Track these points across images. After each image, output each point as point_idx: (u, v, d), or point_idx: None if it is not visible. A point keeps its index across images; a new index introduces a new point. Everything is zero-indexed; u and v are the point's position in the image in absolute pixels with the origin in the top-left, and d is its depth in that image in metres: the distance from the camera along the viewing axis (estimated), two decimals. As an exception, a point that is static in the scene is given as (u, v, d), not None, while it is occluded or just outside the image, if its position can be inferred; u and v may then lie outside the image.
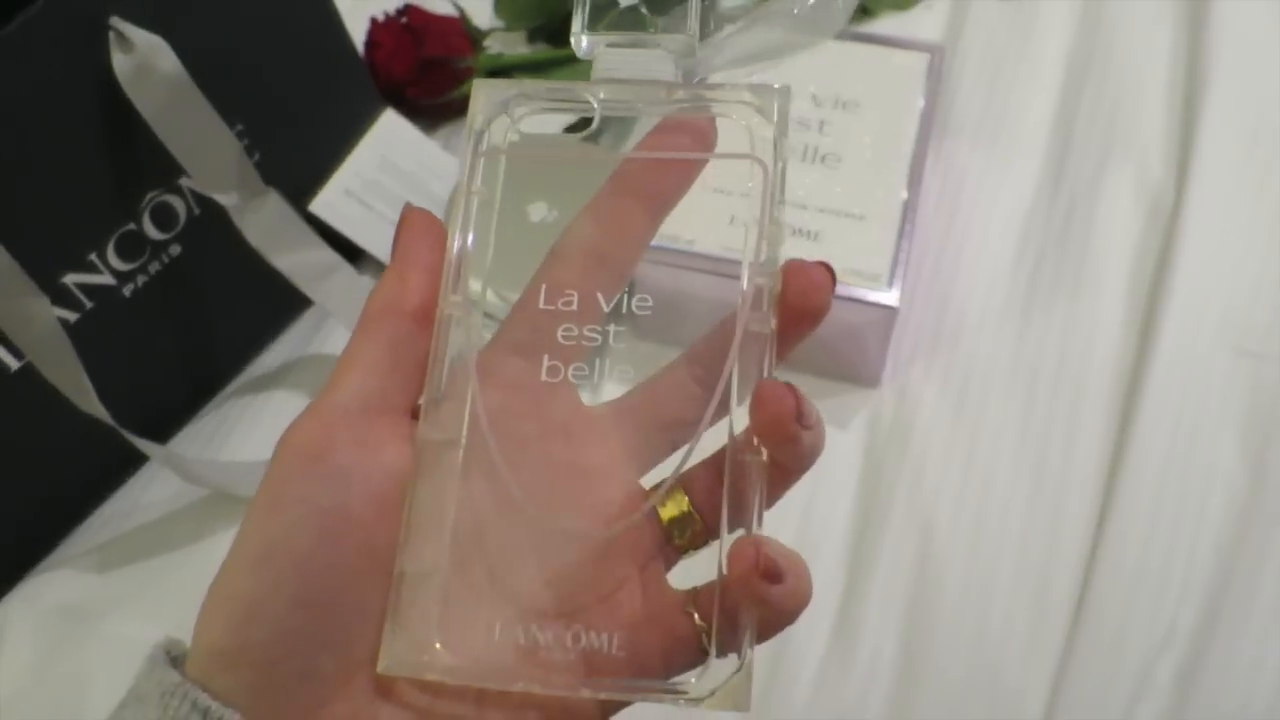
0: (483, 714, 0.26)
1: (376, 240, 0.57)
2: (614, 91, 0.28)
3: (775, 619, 0.25)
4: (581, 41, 0.28)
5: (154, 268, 0.49)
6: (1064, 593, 0.47)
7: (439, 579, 0.25)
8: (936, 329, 0.54)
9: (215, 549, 0.51)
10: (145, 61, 0.43)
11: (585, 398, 0.28)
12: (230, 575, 0.25)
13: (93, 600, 0.50)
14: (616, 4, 0.29)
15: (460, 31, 0.62)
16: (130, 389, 0.48)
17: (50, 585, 0.51)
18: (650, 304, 0.29)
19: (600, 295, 0.27)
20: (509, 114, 0.28)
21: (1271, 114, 0.59)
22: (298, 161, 0.54)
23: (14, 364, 0.45)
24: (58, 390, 0.45)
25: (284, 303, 0.55)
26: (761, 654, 0.46)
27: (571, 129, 0.36)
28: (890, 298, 0.49)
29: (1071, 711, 0.44)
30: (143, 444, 0.48)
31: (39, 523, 0.52)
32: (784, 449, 0.26)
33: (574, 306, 0.27)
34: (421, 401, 0.27)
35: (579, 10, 0.28)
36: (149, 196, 0.48)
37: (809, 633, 0.47)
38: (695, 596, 0.26)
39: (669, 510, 0.27)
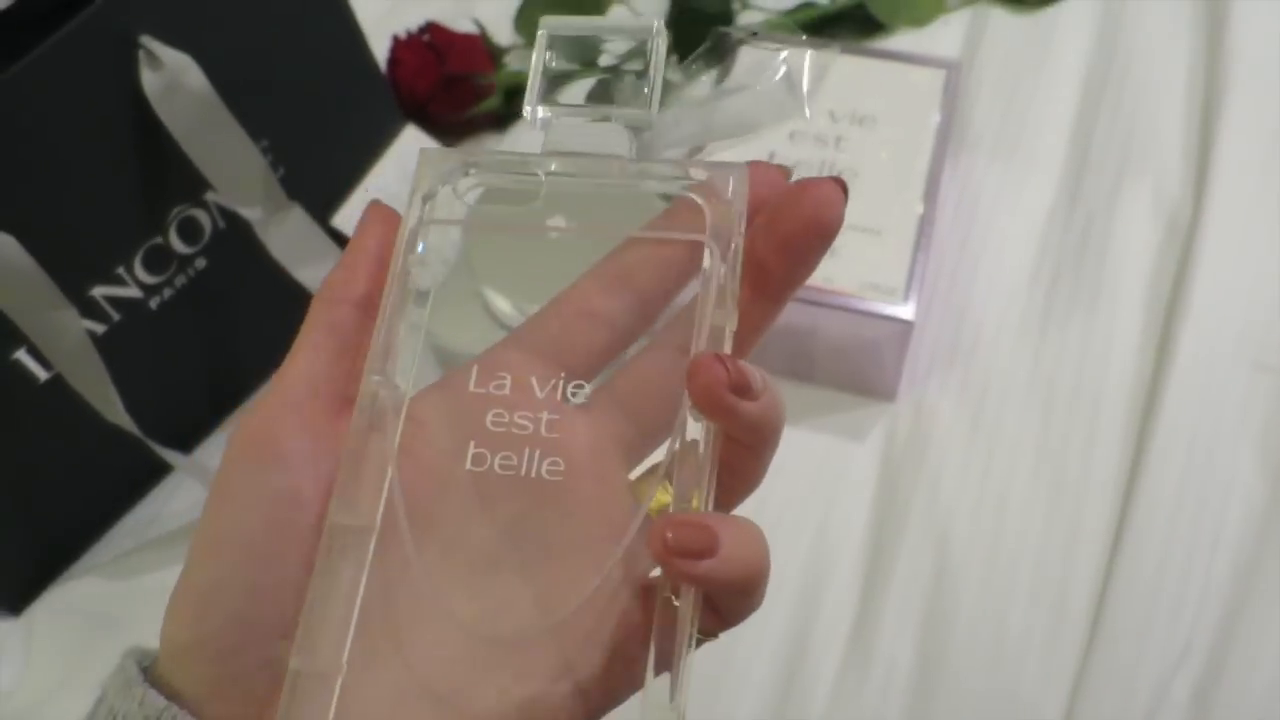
0: None
1: (398, 254, 0.58)
2: (565, 165, 0.27)
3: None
4: (537, 112, 0.27)
5: (180, 281, 0.50)
6: (1080, 607, 0.47)
7: (335, 680, 0.23)
8: (953, 343, 0.55)
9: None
10: (174, 79, 0.44)
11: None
12: (188, 570, 0.25)
13: (118, 608, 0.51)
14: (571, 76, 0.28)
15: (481, 49, 0.63)
16: (156, 400, 0.49)
17: (76, 593, 0.52)
18: (586, 390, 0.26)
19: (534, 380, 0.26)
20: (454, 185, 0.27)
21: (1289, 129, 0.59)
22: (321, 176, 0.55)
23: (43, 375, 0.46)
24: (85, 401, 0.45)
25: (306, 315, 0.56)
26: (777, 664, 0.47)
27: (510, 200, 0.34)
28: (906, 312, 0.49)
29: (1088, 726, 0.44)
30: (167, 454, 0.49)
31: (66, 531, 0.52)
32: (726, 421, 0.24)
33: (505, 390, 0.25)
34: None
35: (533, 81, 0.27)
36: (175, 211, 0.49)
37: (825, 643, 0.47)
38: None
39: (655, 502, 0.25)
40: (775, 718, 0.46)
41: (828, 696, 0.46)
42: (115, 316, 0.48)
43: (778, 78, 0.29)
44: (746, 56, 0.32)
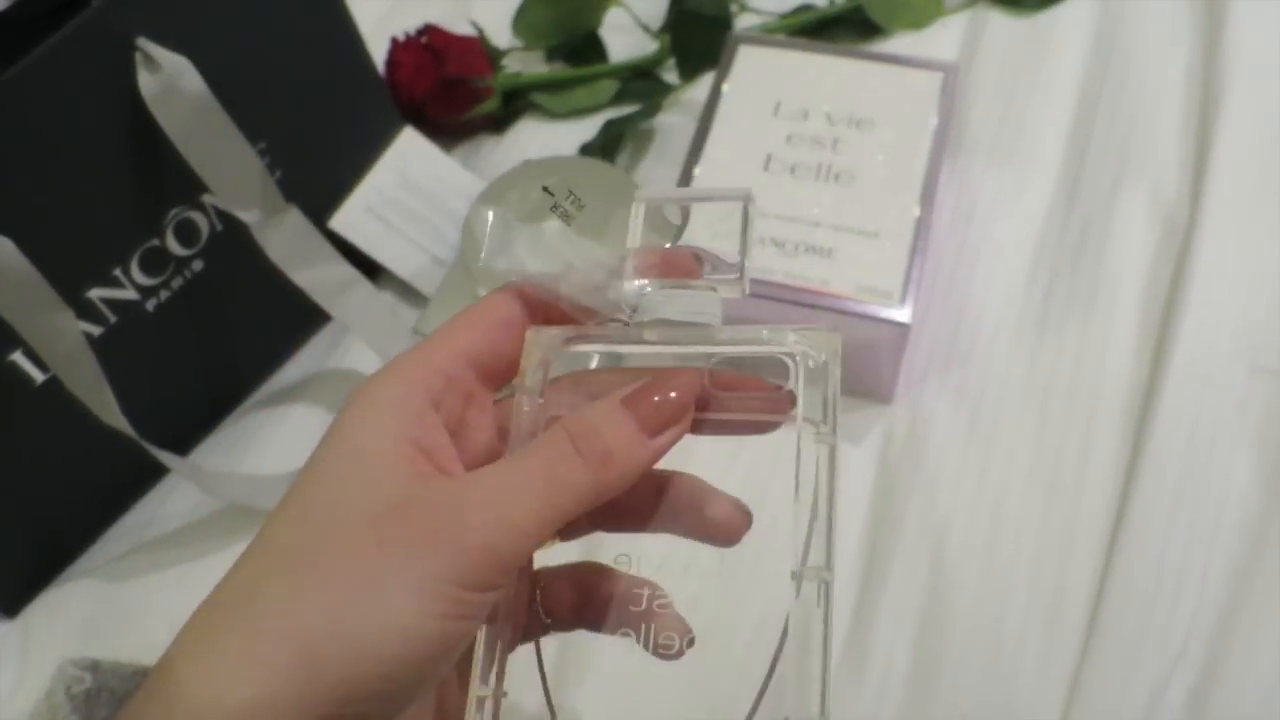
0: None
1: (395, 256, 0.58)
2: (662, 333, 0.28)
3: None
4: (626, 289, 0.28)
5: (177, 283, 0.50)
6: (1077, 610, 0.47)
7: None
8: (950, 346, 0.55)
9: (233, 560, 0.51)
10: (170, 82, 0.44)
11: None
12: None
13: (114, 610, 0.51)
14: (663, 247, 0.29)
15: (479, 51, 0.63)
16: (152, 402, 0.49)
17: (73, 595, 0.52)
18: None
19: None
20: (559, 357, 0.29)
21: (1287, 132, 0.59)
22: (318, 179, 0.55)
23: (39, 377, 0.46)
24: (81, 403, 0.45)
25: (303, 318, 0.56)
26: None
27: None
28: (903, 315, 0.49)
29: (1084, 729, 0.44)
30: (164, 456, 0.49)
31: (62, 533, 0.52)
32: None
33: None
34: None
35: (630, 254, 0.28)
36: (172, 213, 0.49)
37: (821, 648, 0.47)
38: None
39: None
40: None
41: (824, 700, 0.46)
42: (112, 318, 0.48)
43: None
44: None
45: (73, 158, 0.44)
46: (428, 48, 0.62)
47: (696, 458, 0.31)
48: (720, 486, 0.30)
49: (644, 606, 0.30)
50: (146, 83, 0.44)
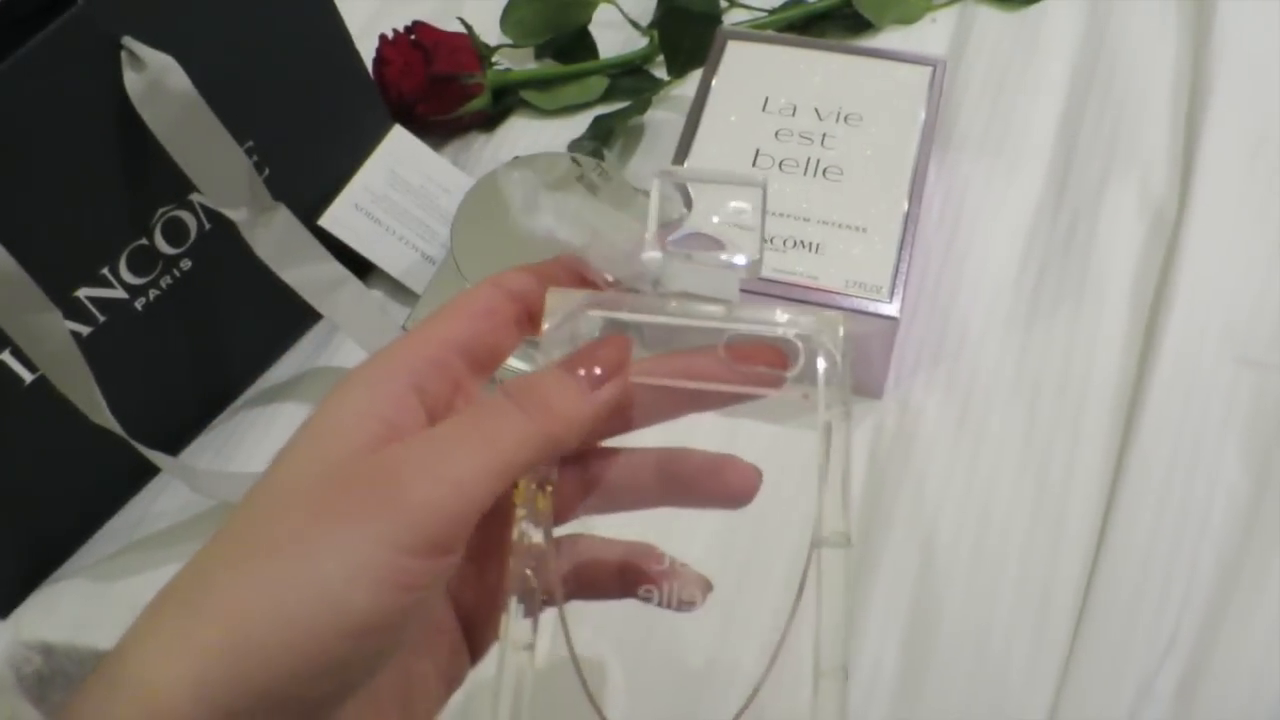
0: None
1: (385, 255, 0.58)
2: (680, 307, 0.29)
3: None
4: (654, 255, 0.29)
5: (165, 282, 0.50)
6: (1065, 602, 0.47)
7: None
8: (939, 341, 0.55)
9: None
10: (156, 80, 0.44)
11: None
12: (239, 620, 0.24)
13: (105, 611, 0.51)
14: (680, 219, 0.30)
15: (468, 48, 0.63)
16: (142, 401, 0.49)
17: (64, 595, 0.52)
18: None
19: None
20: (580, 320, 0.29)
21: (1274, 126, 0.59)
22: (308, 177, 0.55)
23: (27, 377, 0.46)
24: (70, 403, 0.45)
25: (293, 316, 0.56)
26: (763, 663, 0.47)
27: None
28: (892, 309, 0.49)
29: (1073, 721, 0.44)
30: (154, 455, 0.49)
31: (52, 533, 0.52)
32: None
33: None
34: None
35: (652, 225, 0.29)
36: (160, 212, 0.49)
37: (811, 642, 0.47)
38: None
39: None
40: (758, 717, 0.46)
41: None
42: (100, 318, 0.48)
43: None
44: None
45: (59, 157, 0.44)
46: (416, 45, 0.62)
47: (695, 440, 0.32)
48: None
49: (665, 565, 0.31)
50: (132, 82, 0.44)
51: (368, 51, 0.60)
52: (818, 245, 0.51)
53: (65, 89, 0.43)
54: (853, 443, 0.28)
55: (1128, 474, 0.49)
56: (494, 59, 0.65)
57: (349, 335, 0.54)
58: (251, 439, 0.55)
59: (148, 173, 0.47)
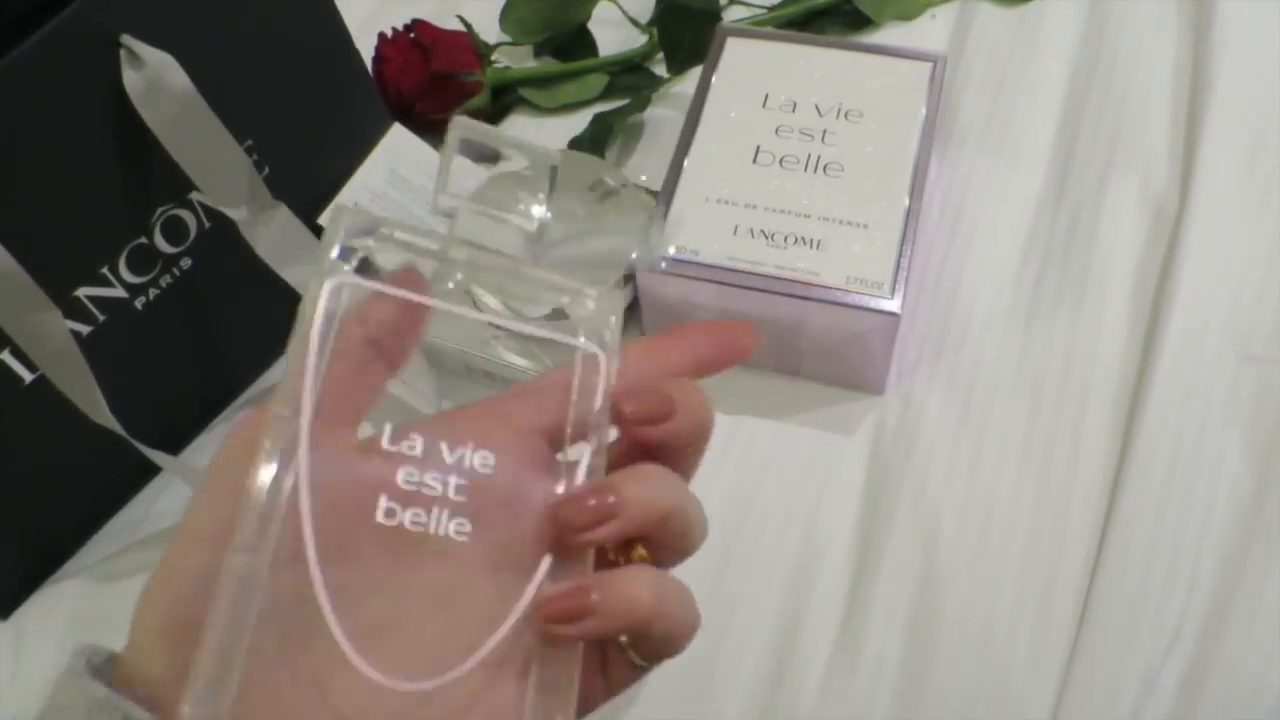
0: None
1: (385, 253, 0.58)
2: (471, 254, 0.29)
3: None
4: (441, 200, 0.30)
5: (165, 281, 0.50)
6: (1068, 598, 0.47)
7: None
8: (941, 336, 0.55)
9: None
10: (155, 79, 0.44)
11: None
12: (171, 558, 0.26)
13: (107, 609, 0.51)
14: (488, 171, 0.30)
15: (467, 46, 0.63)
16: (142, 400, 0.49)
17: (66, 595, 0.51)
18: (492, 464, 0.27)
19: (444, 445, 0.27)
20: (368, 240, 0.28)
21: (1274, 121, 0.59)
22: (307, 175, 0.55)
23: (28, 376, 0.46)
24: (70, 402, 0.45)
25: (293, 315, 0.56)
26: (765, 660, 0.47)
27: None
28: (893, 305, 0.49)
29: (1076, 717, 0.44)
30: (155, 455, 0.49)
31: (54, 533, 0.52)
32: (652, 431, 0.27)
33: (417, 452, 0.26)
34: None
35: (442, 172, 0.29)
36: (160, 211, 0.49)
37: (813, 639, 0.47)
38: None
39: None
40: (763, 715, 0.46)
41: (816, 692, 0.46)
42: (100, 317, 0.48)
43: (648, 226, 0.32)
44: (623, 200, 0.36)
45: (58, 156, 0.44)
46: (416, 43, 0.62)
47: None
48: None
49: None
50: (131, 80, 0.44)
51: (367, 50, 0.60)
52: (819, 241, 0.51)
53: (64, 87, 0.43)
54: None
55: (1130, 470, 0.49)
56: (493, 57, 0.65)
57: (349, 334, 0.54)
58: (252, 438, 0.55)
59: (147, 171, 0.47)
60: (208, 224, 0.50)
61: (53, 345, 0.44)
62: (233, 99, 0.47)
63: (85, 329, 0.48)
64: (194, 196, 0.49)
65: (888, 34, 0.66)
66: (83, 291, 0.47)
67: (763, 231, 0.51)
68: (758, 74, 0.57)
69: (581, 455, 0.27)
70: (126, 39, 0.44)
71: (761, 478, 0.51)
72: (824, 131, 0.55)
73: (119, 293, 0.48)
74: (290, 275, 0.51)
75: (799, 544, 0.50)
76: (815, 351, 0.53)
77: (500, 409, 0.28)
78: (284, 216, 0.50)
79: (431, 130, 0.63)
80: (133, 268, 0.48)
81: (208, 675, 0.23)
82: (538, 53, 0.68)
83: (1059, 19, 0.65)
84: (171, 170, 0.46)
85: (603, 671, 0.28)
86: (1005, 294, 0.56)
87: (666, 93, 0.65)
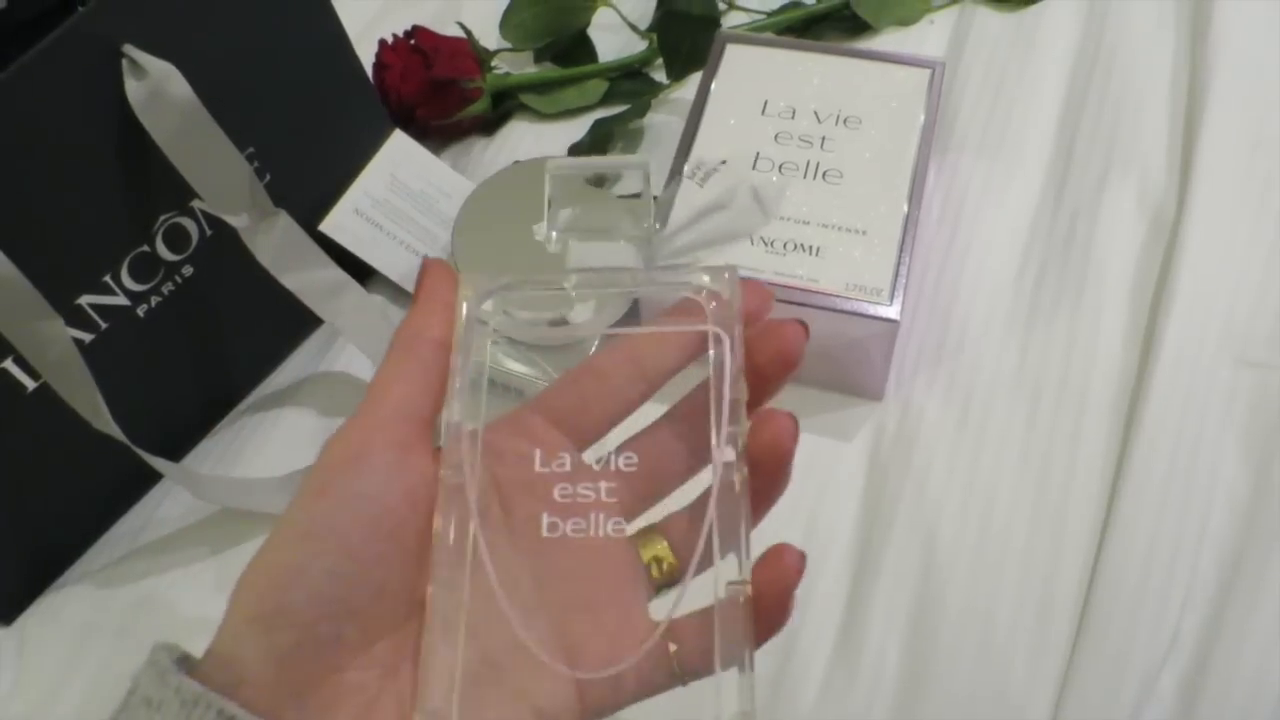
0: None
1: (386, 259, 0.58)
2: (587, 278, 0.32)
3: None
4: (552, 238, 0.32)
5: (167, 288, 0.50)
6: (1067, 603, 0.47)
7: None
8: (940, 342, 0.55)
9: (228, 564, 0.51)
10: (157, 88, 0.44)
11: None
12: (273, 548, 0.28)
13: (110, 616, 0.51)
14: (579, 206, 0.33)
15: (468, 53, 0.63)
16: (144, 407, 0.49)
17: (68, 601, 0.52)
18: (635, 460, 0.32)
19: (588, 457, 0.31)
20: (494, 300, 0.32)
21: (1272, 125, 0.59)
22: (308, 182, 0.55)
23: (30, 384, 0.46)
24: (73, 410, 0.45)
25: (295, 322, 0.56)
26: (767, 662, 0.47)
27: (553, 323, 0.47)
28: (892, 311, 0.49)
29: (1076, 718, 0.44)
30: (157, 462, 0.49)
31: (56, 539, 0.52)
32: (776, 469, 0.31)
33: (566, 467, 0.31)
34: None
35: (548, 213, 0.32)
36: (162, 219, 0.49)
37: (814, 642, 0.47)
38: (670, 627, 0.30)
39: (648, 551, 0.31)
40: (763, 715, 0.46)
41: (816, 694, 0.46)
42: (103, 325, 0.48)
43: (749, 198, 0.36)
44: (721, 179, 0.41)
45: (60, 165, 0.44)
46: (416, 50, 0.62)
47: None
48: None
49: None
50: (133, 90, 0.44)
51: (367, 56, 0.60)
52: (818, 248, 0.51)
53: (66, 97, 0.43)
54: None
55: (1128, 473, 0.49)
56: (493, 63, 0.65)
57: (350, 340, 0.54)
58: (254, 444, 0.55)
59: (149, 180, 0.47)
60: (209, 232, 0.51)
61: (55, 353, 0.44)
62: (234, 107, 0.47)
63: (87, 336, 0.48)
64: (195, 204, 0.49)
65: (886, 40, 0.66)
66: (85, 299, 0.47)
67: (761, 238, 0.52)
68: (757, 80, 0.57)
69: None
70: (129, 49, 0.44)
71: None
72: (823, 138, 0.55)
73: (121, 300, 0.49)
74: (291, 282, 0.51)
75: (799, 546, 0.50)
76: (814, 357, 0.52)
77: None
78: (285, 224, 0.51)
79: (432, 136, 0.63)
80: (135, 275, 0.49)
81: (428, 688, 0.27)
82: (538, 58, 0.68)
83: (1057, 23, 0.66)
84: (173, 178, 0.47)
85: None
86: (1004, 298, 0.56)
87: (666, 99, 0.65)
